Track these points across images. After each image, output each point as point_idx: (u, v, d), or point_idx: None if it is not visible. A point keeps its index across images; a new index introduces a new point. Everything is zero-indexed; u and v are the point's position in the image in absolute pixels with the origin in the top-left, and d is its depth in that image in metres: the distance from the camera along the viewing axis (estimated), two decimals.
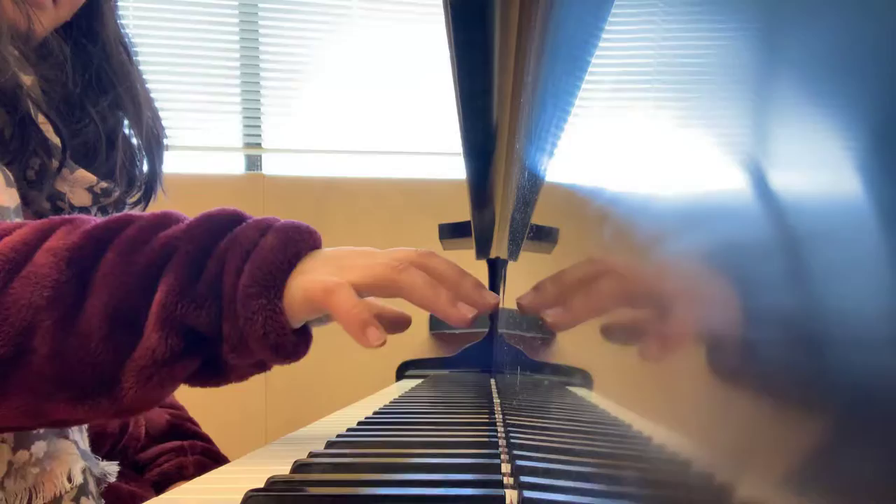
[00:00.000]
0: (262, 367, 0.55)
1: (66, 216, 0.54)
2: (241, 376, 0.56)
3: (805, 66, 0.12)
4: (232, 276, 0.51)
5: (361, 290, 0.53)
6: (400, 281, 0.53)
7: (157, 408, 0.91)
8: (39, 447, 0.61)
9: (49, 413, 0.50)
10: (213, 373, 0.54)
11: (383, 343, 0.52)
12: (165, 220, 0.53)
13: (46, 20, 0.68)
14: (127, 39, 0.80)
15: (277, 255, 0.52)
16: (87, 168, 0.70)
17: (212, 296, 0.50)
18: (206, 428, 0.95)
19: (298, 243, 0.53)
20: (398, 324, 0.60)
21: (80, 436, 0.67)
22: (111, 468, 0.70)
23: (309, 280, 0.52)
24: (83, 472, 0.65)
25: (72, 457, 0.63)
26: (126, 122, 0.78)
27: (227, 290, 0.51)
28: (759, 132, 0.14)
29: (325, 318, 0.59)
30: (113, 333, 0.49)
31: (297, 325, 0.53)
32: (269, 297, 0.51)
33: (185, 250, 0.51)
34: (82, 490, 0.64)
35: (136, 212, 0.56)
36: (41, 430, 0.62)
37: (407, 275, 0.53)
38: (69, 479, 0.62)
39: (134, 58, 0.80)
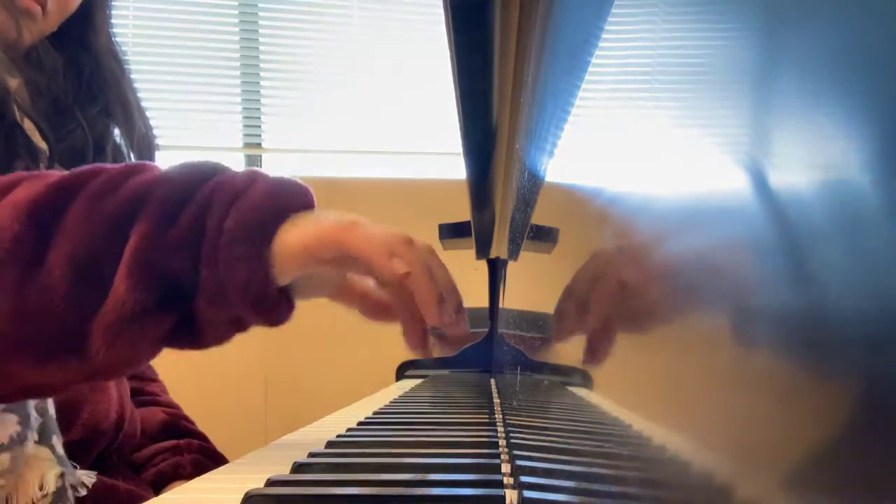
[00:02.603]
0: (241, 326, 0.51)
1: (34, 172, 0.51)
2: (219, 336, 0.51)
3: (805, 65, 0.12)
4: (216, 220, 0.47)
5: (360, 272, 0.49)
6: (407, 256, 0.49)
7: (152, 406, 0.91)
8: (9, 454, 0.59)
9: (17, 377, 0.47)
10: (187, 332, 0.49)
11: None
12: (139, 167, 0.50)
13: (35, 29, 0.68)
14: (119, 49, 0.80)
15: (268, 203, 0.48)
16: None
17: (190, 240, 0.46)
18: (205, 428, 0.95)
19: (293, 195, 0.49)
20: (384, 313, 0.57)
21: (56, 440, 0.66)
22: (88, 478, 0.67)
23: (310, 229, 0.48)
24: (60, 478, 0.63)
25: (45, 463, 0.61)
26: (117, 130, 0.77)
27: (209, 233, 0.46)
28: (759, 132, 0.14)
29: (313, 288, 0.54)
30: (78, 286, 0.45)
31: (283, 281, 0.48)
32: (256, 244, 0.46)
33: (160, 195, 0.47)
34: (59, 497, 0.62)
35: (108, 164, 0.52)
36: (14, 436, 0.60)
37: (404, 253, 0.49)
38: (41, 487, 0.60)
39: (125, 67, 0.80)
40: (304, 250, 0.48)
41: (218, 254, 0.46)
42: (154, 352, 0.50)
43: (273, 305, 0.48)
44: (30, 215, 0.46)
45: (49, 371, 0.46)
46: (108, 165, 0.50)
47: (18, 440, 0.61)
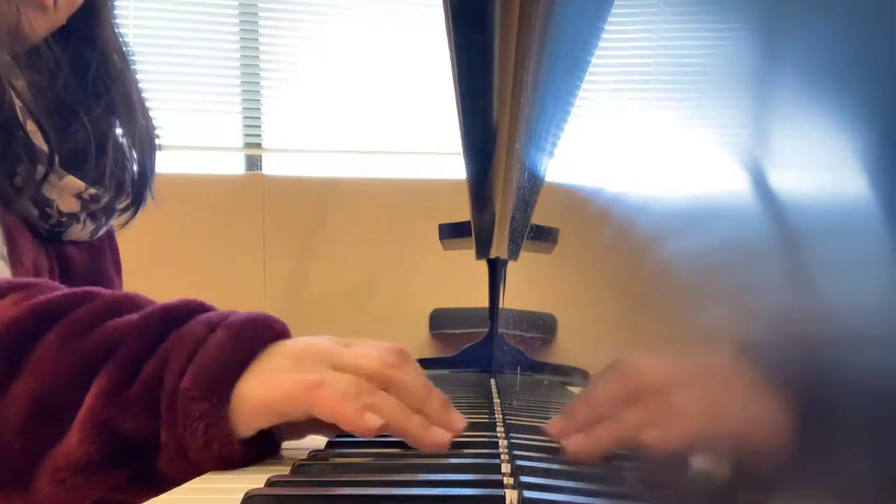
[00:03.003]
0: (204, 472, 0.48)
1: (30, 280, 0.50)
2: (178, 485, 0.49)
3: (805, 65, 0.12)
4: (174, 377, 0.45)
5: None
6: (369, 399, 0.47)
7: None
8: None
9: None
10: (148, 484, 0.47)
11: (383, 428, 0.46)
12: (125, 303, 0.48)
13: (44, 23, 0.68)
14: (124, 45, 0.80)
15: (227, 353, 0.46)
16: (75, 174, 0.69)
17: (146, 399, 0.45)
18: None
19: (253, 340, 0.47)
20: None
21: None
22: None
23: (273, 383, 0.46)
24: None
25: None
26: (119, 127, 0.77)
27: (166, 393, 0.45)
28: (758, 132, 0.14)
29: (304, 429, 0.52)
30: (31, 425, 0.44)
31: (247, 433, 0.46)
32: (213, 402, 0.45)
33: (128, 346, 0.46)
34: None
35: (103, 289, 0.50)
36: None
37: (375, 400, 0.47)
38: None
39: (130, 62, 0.80)
40: (266, 408, 0.46)
41: (175, 414, 0.45)
42: (104, 498, 0.48)
43: (239, 461, 0.47)
44: (3, 337, 0.45)
45: None
46: (103, 291, 0.49)
47: None
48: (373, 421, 0.46)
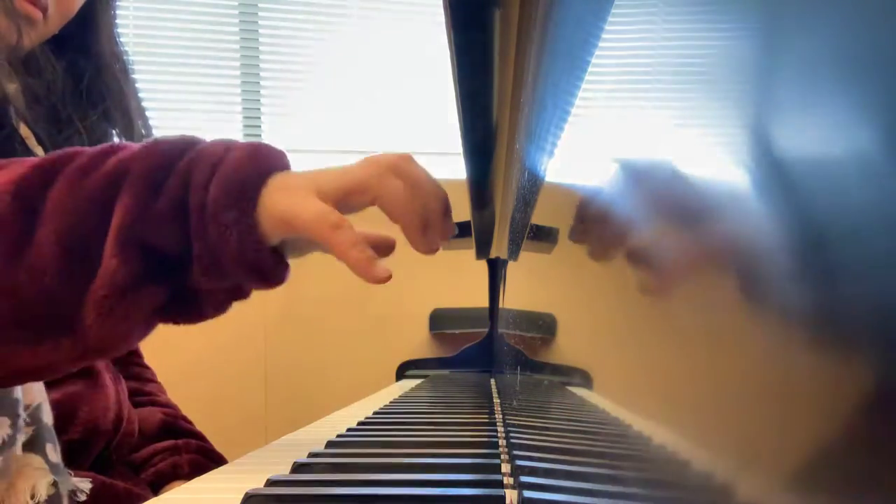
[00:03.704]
0: (240, 293, 0.51)
1: (8, 159, 0.51)
2: (218, 306, 0.51)
3: (805, 65, 0.12)
4: (199, 191, 0.47)
5: (339, 200, 0.49)
6: (379, 188, 0.50)
7: (150, 407, 0.91)
8: (0, 458, 0.59)
9: (11, 360, 0.47)
10: (184, 304, 0.50)
11: (389, 276, 0.48)
12: (116, 147, 0.50)
13: (34, 34, 0.68)
14: (123, 53, 0.79)
15: (247, 168, 0.48)
16: None
17: (177, 212, 0.46)
18: (206, 428, 0.95)
19: (268, 158, 0.50)
20: (385, 248, 0.56)
21: (51, 448, 0.65)
22: (83, 484, 0.67)
23: (297, 203, 0.48)
24: (52, 486, 0.62)
25: (38, 472, 0.61)
26: (116, 136, 0.77)
27: (194, 204, 0.47)
28: (759, 132, 0.14)
29: (303, 247, 0.55)
30: (68, 264, 0.45)
31: (272, 242, 0.49)
32: (242, 210, 0.47)
33: (141, 169, 0.47)
34: None
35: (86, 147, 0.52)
36: (6, 438, 0.59)
37: (385, 182, 0.50)
38: (32, 496, 0.60)
39: (129, 70, 0.80)
40: (289, 219, 0.48)
41: (206, 224, 0.46)
42: (148, 326, 0.50)
43: (269, 267, 0.48)
44: (14, 196, 0.46)
45: (42, 351, 0.46)
46: (87, 148, 0.50)
47: (9, 443, 0.61)
48: (381, 272, 0.48)
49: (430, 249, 0.52)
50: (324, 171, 0.51)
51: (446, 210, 0.54)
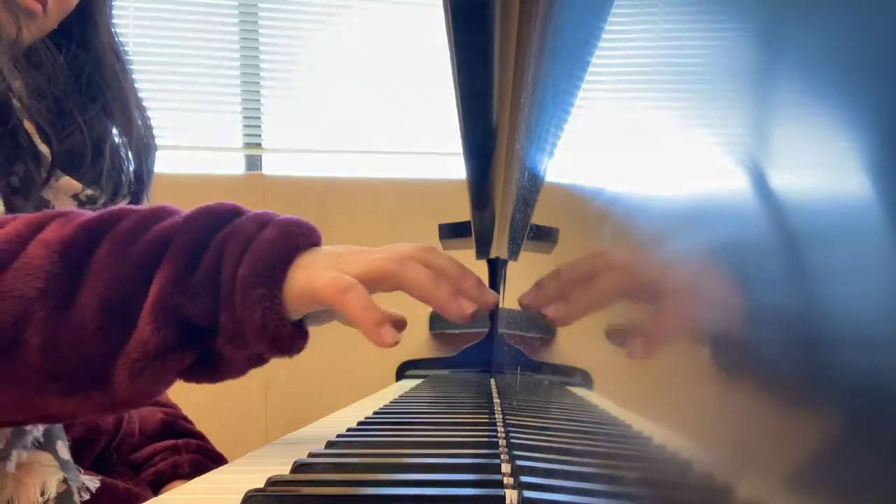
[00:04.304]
0: (259, 360, 0.55)
1: (61, 209, 0.54)
2: (237, 371, 0.55)
3: (805, 65, 0.12)
4: (231, 267, 0.50)
5: (364, 285, 0.52)
6: (401, 274, 0.53)
7: (150, 406, 0.91)
8: (13, 458, 0.60)
9: (41, 406, 0.50)
10: (207, 367, 0.53)
11: (397, 342, 0.51)
12: (161, 212, 0.53)
13: (34, 27, 0.68)
14: (120, 47, 0.80)
15: (277, 247, 0.51)
16: (72, 175, 0.70)
17: (209, 286, 0.50)
18: (206, 428, 0.95)
19: (298, 237, 0.53)
20: (397, 325, 0.59)
21: (61, 445, 0.66)
22: (92, 482, 0.68)
23: (315, 275, 0.51)
24: (63, 483, 0.63)
25: (48, 469, 0.62)
26: (115, 129, 0.77)
27: (225, 279, 0.50)
28: (759, 132, 0.14)
29: (325, 316, 0.58)
30: (106, 325, 0.48)
31: (295, 317, 0.52)
32: (269, 288, 0.50)
33: (182, 241, 0.51)
34: (62, 502, 0.63)
35: (135, 206, 0.55)
36: (17, 440, 0.61)
37: (408, 268, 0.53)
38: (42, 493, 0.61)
39: (127, 66, 0.80)
40: (311, 296, 0.51)
41: (234, 299, 0.50)
42: (171, 383, 0.53)
43: (289, 341, 0.52)
44: (62, 255, 0.49)
45: (72, 402, 0.50)
46: (134, 207, 0.53)
47: (20, 439, 0.61)
48: (388, 336, 0.51)
49: (465, 314, 0.54)
50: (348, 254, 0.54)
51: (479, 285, 0.56)
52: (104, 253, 0.49)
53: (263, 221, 0.53)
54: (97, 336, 0.48)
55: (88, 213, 0.53)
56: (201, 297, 0.49)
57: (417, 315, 2.20)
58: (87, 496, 0.67)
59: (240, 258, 0.50)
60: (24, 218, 0.51)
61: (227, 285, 0.50)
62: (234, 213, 0.54)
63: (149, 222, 0.52)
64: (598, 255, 0.30)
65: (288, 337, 0.51)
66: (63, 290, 0.48)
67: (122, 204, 0.77)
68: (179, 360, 0.50)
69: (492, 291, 0.56)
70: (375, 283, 0.53)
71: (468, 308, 0.54)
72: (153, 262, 0.50)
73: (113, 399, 0.49)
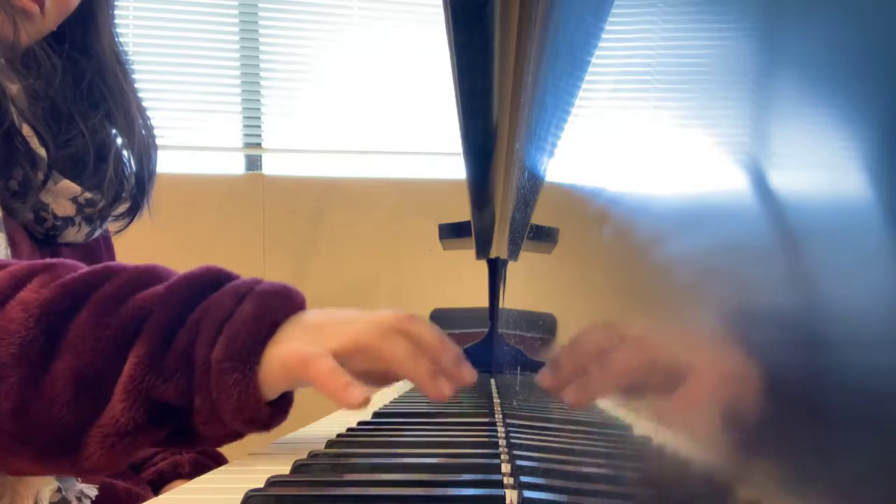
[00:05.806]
0: (237, 436, 0.53)
1: (49, 261, 0.53)
2: (215, 443, 0.54)
3: (805, 65, 0.12)
4: (205, 348, 0.49)
5: (343, 356, 0.51)
6: (381, 348, 0.51)
7: None
8: None
9: (11, 465, 0.50)
10: (182, 438, 0.52)
11: (367, 401, 0.49)
12: (147, 276, 0.52)
13: (32, 29, 0.67)
14: (123, 52, 0.79)
15: (252, 326, 0.50)
16: (74, 180, 0.69)
17: (182, 368, 0.48)
18: None
19: (276, 311, 0.51)
20: (387, 379, 0.57)
21: None
22: (90, 491, 0.68)
23: (286, 351, 0.50)
24: (58, 492, 0.63)
25: (41, 478, 0.62)
26: (117, 133, 0.77)
27: (199, 362, 0.49)
28: (759, 132, 0.14)
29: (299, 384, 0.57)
30: (78, 398, 0.47)
31: (273, 396, 0.51)
32: (244, 372, 0.49)
33: (158, 317, 0.49)
34: None
35: (122, 263, 0.54)
36: None
37: (389, 341, 0.52)
38: (35, 502, 0.61)
39: (129, 71, 0.79)
40: (286, 374, 0.50)
41: (209, 383, 0.49)
42: (143, 454, 0.54)
43: (267, 420, 0.51)
44: (38, 321, 0.48)
45: (42, 467, 0.50)
46: (121, 267, 0.52)
47: None
48: (355, 396, 0.50)
49: (443, 395, 0.53)
50: (328, 324, 0.52)
51: (459, 361, 0.55)
52: (81, 322, 0.48)
53: (243, 293, 0.51)
54: (69, 406, 0.47)
55: (75, 268, 0.51)
56: (174, 380, 0.48)
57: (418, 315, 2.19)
58: (88, 502, 0.66)
59: (215, 338, 0.49)
60: (8, 270, 0.50)
61: (200, 368, 0.49)
62: (216, 282, 0.52)
63: (133, 288, 0.50)
64: (610, 326, 0.29)
65: (266, 417, 0.50)
66: (37, 358, 0.47)
67: (122, 208, 0.77)
68: (152, 436, 0.50)
69: (470, 370, 0.55)
70: (354, 354, 0.52)
71: (447, 390, 0.53)
72: (129, 338, 0.49)
73: (83, 467, 0.49)
